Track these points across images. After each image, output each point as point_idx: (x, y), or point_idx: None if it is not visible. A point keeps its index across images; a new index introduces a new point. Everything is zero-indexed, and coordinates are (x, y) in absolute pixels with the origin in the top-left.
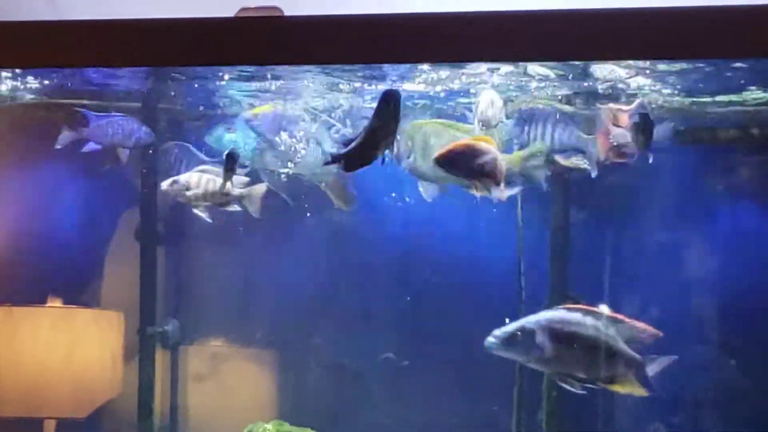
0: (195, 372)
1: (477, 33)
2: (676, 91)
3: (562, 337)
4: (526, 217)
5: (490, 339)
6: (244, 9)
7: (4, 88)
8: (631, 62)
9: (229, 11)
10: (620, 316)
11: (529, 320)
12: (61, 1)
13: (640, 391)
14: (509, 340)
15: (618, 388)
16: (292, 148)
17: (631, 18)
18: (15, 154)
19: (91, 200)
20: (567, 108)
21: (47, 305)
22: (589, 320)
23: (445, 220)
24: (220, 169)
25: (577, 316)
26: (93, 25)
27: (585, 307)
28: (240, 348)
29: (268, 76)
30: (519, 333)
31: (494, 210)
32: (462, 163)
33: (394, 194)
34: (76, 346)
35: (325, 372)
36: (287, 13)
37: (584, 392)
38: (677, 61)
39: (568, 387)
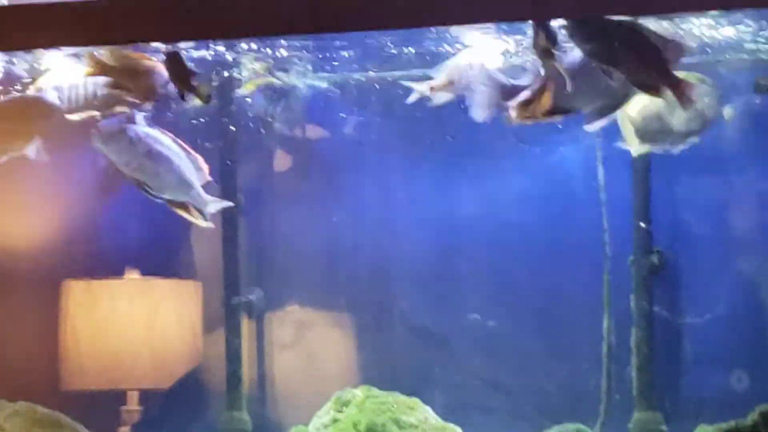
0: (281, 340)
1: None
2: None
3: (149, 151)
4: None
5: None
6: None
7: None
8: None
9: None
10: (194, 153)
11: (134, 127)
12: None
13: (204, 224)
14: (109, 135)
15: (185, 214)
16: None
17: None
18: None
19: None
20: None
21: (125, 277)
22: (175, 146)
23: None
24: None
25: (167, 139)
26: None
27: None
28: (325, 314)
29: None
30: (120, 132)
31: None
32: None
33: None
34: (155, 317)
35: (410, 335)
36: None
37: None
38: None
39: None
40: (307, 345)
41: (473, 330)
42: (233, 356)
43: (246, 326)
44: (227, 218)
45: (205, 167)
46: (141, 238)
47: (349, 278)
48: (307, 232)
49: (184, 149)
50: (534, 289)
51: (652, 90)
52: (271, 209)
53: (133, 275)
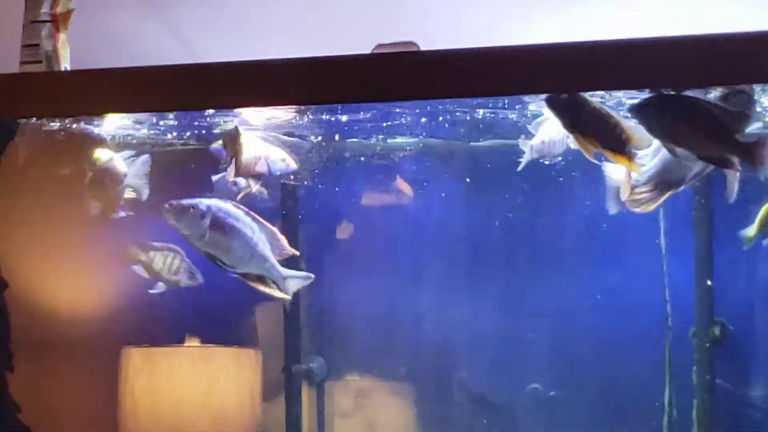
0: (340, 408)
1: None
2: None
3: (221, 225)
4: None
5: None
6: (380, 45)
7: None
8: None
9: (365, 48)
10: (269, 225)
11: (205, 201)
12: (195, 42)
13: (281, 295)
14: (180, 210)
15: (261, 287)
16: None
17: None
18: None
19: None
20: None
21: (185, 345)
22: (248, 219)
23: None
24: None
25: (240, 213)
26: (227, 68)
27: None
28: (386, 383)
29: None
30: (191, 208)
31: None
32: None
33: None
34: (214, 384)
35: (471, 404)
36: (423, 47)
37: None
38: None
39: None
40: (367, 414)
41: (533, 400)
42: (293, 425)
43: (306, 394)
44: None
45: (283, 240)
46: (201, 306)
47: (409, 347)
48: (368, 300)
49: (258, 222)
50: (595, 359)
51: (722, 162)
52: (332, 277)
53: (193, 343)
